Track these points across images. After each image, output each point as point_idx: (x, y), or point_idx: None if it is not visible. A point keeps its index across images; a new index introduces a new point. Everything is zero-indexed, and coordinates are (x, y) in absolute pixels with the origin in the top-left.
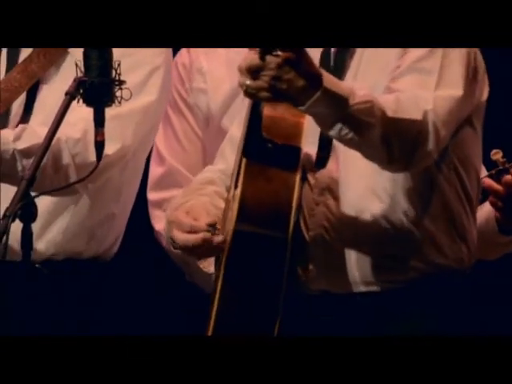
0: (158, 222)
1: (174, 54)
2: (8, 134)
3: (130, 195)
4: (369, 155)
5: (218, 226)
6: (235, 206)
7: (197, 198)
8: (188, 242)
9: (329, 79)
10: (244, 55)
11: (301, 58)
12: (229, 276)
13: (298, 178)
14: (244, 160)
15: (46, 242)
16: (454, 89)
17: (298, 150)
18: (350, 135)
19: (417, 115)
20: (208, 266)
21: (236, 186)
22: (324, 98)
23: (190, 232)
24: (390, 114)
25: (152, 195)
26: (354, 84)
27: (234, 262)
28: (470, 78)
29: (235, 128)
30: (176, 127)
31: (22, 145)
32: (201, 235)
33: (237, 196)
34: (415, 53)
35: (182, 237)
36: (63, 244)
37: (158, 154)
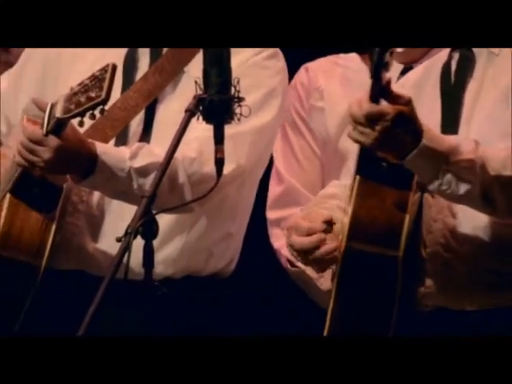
0: (277, 240)
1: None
2: (125, 151)
3: (246, 214)
4: (472, 207)
5: (335, 222)
6: (347, 223)
7: (317, 211)
8: (304, 244)
9: (430, 135)
10: (358, 98)
11: (412, 112)
12: (341, 292)
13: (411, 197)
14: (357, 177)
15: (164, 260)
16: None
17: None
18: (449, 191)
19: None
20: (324, 283)
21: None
22: (423, 154)
23: (307, 235)
24: (494, 171)
25: (271, 214)
26: (459, 138)
27: (345, 278)
28: None
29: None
30: (294, 146)
31: (137, 163)
32: (316, 236)
33: (349, 213)
34: None
35: (298, 240)
36: (182, 262)
37: (277, 172)
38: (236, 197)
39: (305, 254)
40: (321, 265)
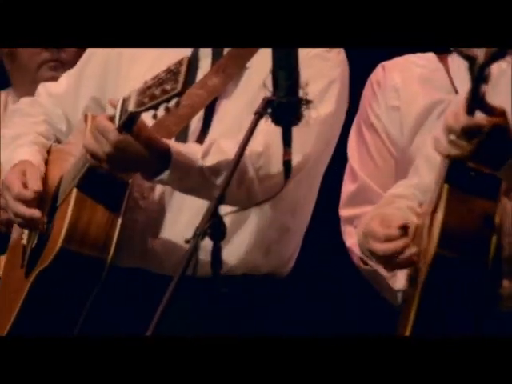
0: (350, 237)
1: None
2: (196, 149)
3: (306, 211)
4: None
5: (410, 226)
6: (436, 231)
7: (389, 211)
8: (386, 251)
9: None
10: (454, 110)
11: (507, 123)
12: (426, 296)
13: (499, 207)
14: (445, 186)
15: (226, 256)
16: None
17: (499, 180)
18: None
19: None
20: (396, 281)
21: (435, 210)
22: None
23: (386, 241)
24: None
25: (344, 211)
26: None
27: (433, 284)
28: None
29: (431, 147)
30: (369, 144)
31: (209, 162)
32: (399, 243)
33: (437, 221)
34: None
35: (379, 247)
36: (242, 258)
37: (351, 170)
38: (295, 192)
39: (387, 259)
40: (398, 267)
